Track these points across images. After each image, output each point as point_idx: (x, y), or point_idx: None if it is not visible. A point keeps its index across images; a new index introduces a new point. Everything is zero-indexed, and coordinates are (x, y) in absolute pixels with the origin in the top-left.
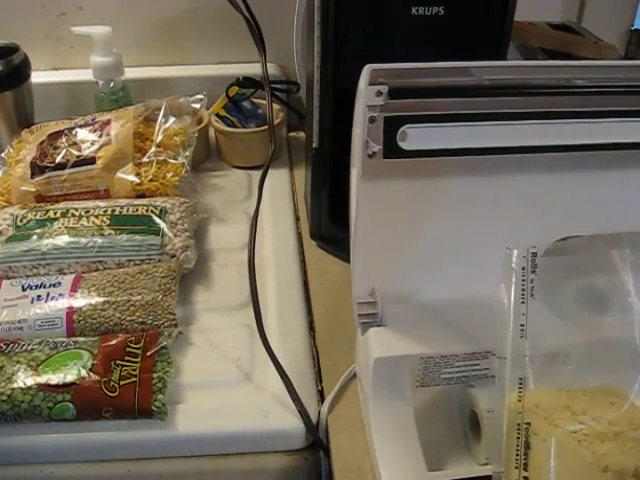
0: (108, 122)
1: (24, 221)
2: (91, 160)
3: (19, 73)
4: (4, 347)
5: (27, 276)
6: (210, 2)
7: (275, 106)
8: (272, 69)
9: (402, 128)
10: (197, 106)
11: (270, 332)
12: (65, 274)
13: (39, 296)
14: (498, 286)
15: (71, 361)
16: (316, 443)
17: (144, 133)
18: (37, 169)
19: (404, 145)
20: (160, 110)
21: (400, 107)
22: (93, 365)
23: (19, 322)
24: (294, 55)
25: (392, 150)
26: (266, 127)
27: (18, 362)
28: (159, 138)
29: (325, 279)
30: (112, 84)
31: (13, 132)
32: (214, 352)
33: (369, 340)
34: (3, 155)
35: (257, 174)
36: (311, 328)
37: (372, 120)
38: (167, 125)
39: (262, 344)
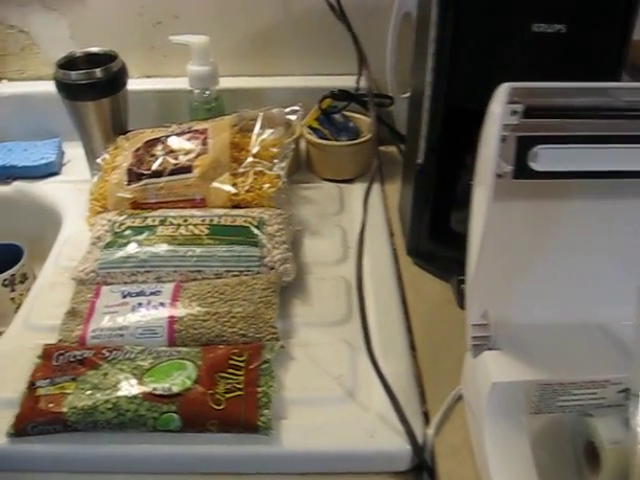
0: (205, 131)
1: (122, 227)
2: (188, 169)
3: (117, 80)
4: (107, 354)
5: (125, 283)
6: (304, 14)
7: (365, 119)
8: (363, 82)
9: (534, 149)
10: (293, 117)
11: (362, 349)
12: (163, 282)
13: (140, 304)
14: (618, 314)
15: (176, 371)
16: (422, 466)
17: (239, 143)
18: (134, 176)
19: (535, 166)
20: (254, 120)
21: (533, 127)
22: (198, 376)
23: (120, 329)
24: (386, 68)
25: (523, 171)
26: (359, 141)
27: (121, 370)
28: (255, 149)
29: (423, 297)
30: (207, 93)
31: (108, 138)
32: (315, 368)
33: (485, 363)
34: (99, 161)
35: (348, 187)
36: (412, 347)
37: (503, 139)
38: (264, 136)
39: (370, 363)
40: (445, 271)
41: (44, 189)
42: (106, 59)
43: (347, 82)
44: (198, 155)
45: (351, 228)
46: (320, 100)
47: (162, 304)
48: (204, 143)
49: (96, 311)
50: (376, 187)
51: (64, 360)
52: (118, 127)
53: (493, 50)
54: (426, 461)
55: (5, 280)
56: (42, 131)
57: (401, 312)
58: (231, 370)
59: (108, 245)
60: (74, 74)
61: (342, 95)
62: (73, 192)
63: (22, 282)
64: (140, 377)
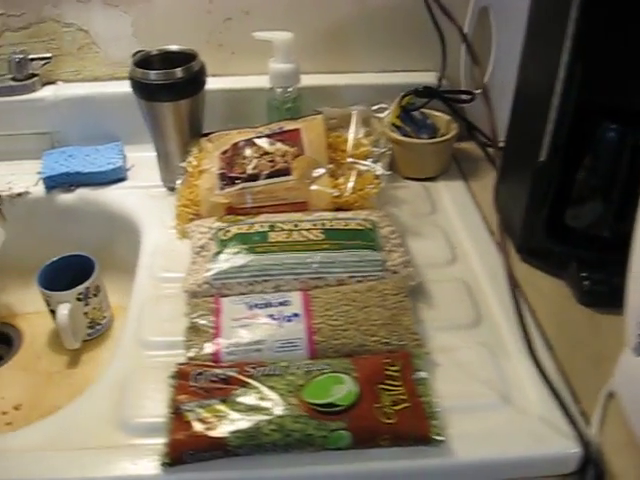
0: (297, 131)
1: (228, 235)
2: (285, 171)
3: (197, 81)
4: (252, 371)
5: (241, 293)
6: (377, 9)
7: (442, 117)
8: (433, 78)
9: None
10: (381, 115)
11: (509, 351)
12: (282, 291)
13: (271, 315)
14: None
15: (335, 386)
16: (586, 466)
17: (332, 143)
18: (227, 180)
19: None
20: (334, 119)
21: None
22: (360, 390)
23: (256, 343)
24: (460, 64)
25: None
26: (444, 138)
27: (273, 388)
28: (351, 148)
29: (541, 295)
30: (289, 92)
31: (183, 141)
32: (462, 373)
33: None
34: (184, 164)
35: (432, 186)
36: (549, 347)
37: None
38: (360, 135)
39: (533, 365)
40: (558, 267)
41: (112, 196)
42: (182, 58)
43: (420, 78)
44: (295, 157)
45: (450, 228)
46: (401, 97)
47: (296, 315)
48: (299, 144)
49: (223, 325)
50: (460, 184)
51: (204, 380)
52: (195, 129)
53: (634, 46)
54: (594, 461)
55: (80, 294)
56: (101, 135)
57: (527, 311)
58: (389, 381)
59: (217, 255)
60: (153, 74)
61: (425, 92)
62: (145, 198)
63: (95, 295)
64: (298, 394)
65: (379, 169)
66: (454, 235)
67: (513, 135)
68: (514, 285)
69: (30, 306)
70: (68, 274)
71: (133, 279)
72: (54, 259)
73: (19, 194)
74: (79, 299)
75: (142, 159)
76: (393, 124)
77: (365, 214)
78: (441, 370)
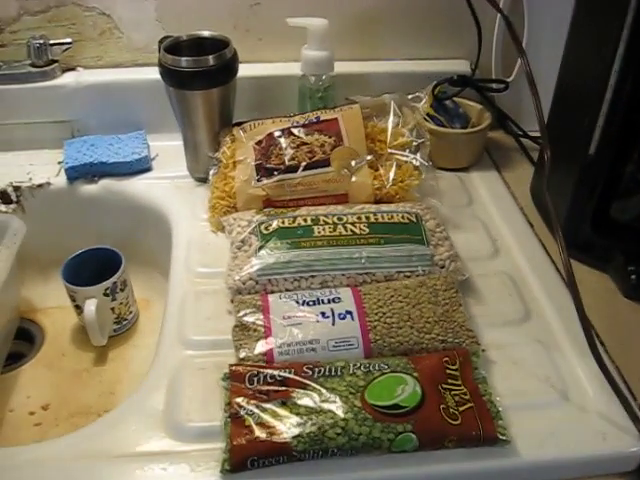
0: (335, 121)
1: (270, 229)
2: (325, 162)
3: (229, 69)
4: (309, 372)
5: (287, 290)
6: None
7: (473, 105)
8: (463, 66)
9: None
10: (418, 105)
11: (563, 346)
12: (329, 287)
13: (323, 313)
14: None
15: (398, 386)
16: None
17: (370, 133)
18: (264, 171)
19: None
20: (368, 109)
21: None
22: (424, 391)
23: (310, 343)
24: (493, 51)
25: None
26: (479, 128)
27: (334, 389)
28: (390, 139)
29: (585, 288)
30: (323, 80)
31: (213, 130)
32: (520, 371)
33: None
34: (217, 155)
35: (466, 176)
36: (600, 342)
37: None
38: (397, 125)
39: (595, 362)
40: (602, 261)
41: (137, 187)
42: (213, 44)
43: (451, 67)
44: (333, 147)
45: (488, 220)
46: (434, 86)
47: (349, 312)
48: (337, 134)
49: (274, 324)
50: (494, 175)
51: (261, 382)
52: (225, 118)
53: None
54: None
55: (107, 289)
56: (122, 123)
57: (571, 306)
58: (450, 380)
59: (260, 249)
60: (184, 60)
61: (459, 81)
62: (172, 189)
63: (122, 290)
64: (360, 396)
65: (419, 160)
66: (494, 227)
67: (554, 127)
68: (572, 281)
69: (51, 301)
70: (92, 268)
71: (159, 272)
72: (78, 252)
73: (40, 185)
74: (106, 294)
75: (166, 149)
76: (428, 114)
77: (408, 207)
78: (497, 367)
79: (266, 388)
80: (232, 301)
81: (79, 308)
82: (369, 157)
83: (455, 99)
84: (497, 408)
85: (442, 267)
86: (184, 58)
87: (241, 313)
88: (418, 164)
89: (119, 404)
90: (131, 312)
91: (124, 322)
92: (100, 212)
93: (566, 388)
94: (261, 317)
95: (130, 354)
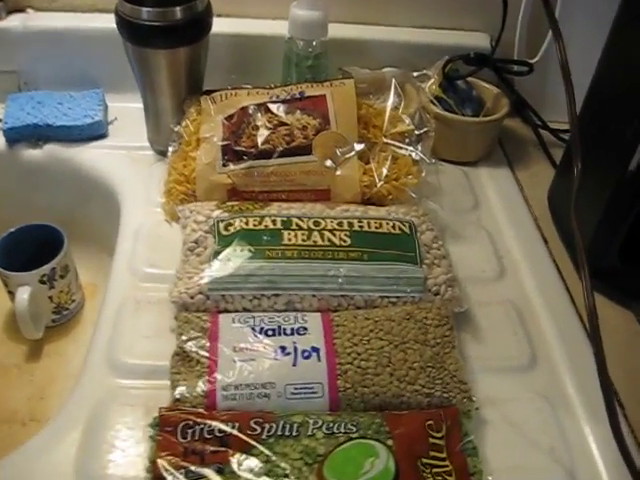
0: (322, 99)
1: (231, 230)
2: (305, 149)
3: (201, 24)
4: (258, 429)
5: (244, 309)
6: None
7: (489, 88)
8: (482, 40)
9: None
10: (424, 85)
11: (572, 405)
12: (296, 310)
13: (284, 348)
14: None
15: (366, 460)
16: None
17: (364, 116)
18: (232, 154)
19: None
20: (364, 84)
21: None
22: (397, 468)
23: (264, 386)
24: (517, 28)
25: None
26: (496, 117)
27: (285, 455)
28: (387, 124)
29: (606, 328)
30: (313, 46)
31: (179, 97)
32: (519, 437)
33: None
34: (178, 129)
35: (474, 172)
36: (619, 403)
37: None
38: (397, 108)
39: (612, 433)
40: (629, 296)
41: (88, 156)
42: None
43: (468, 40)
44: (317, 131)
45: (495, 230)
46: (445, 62)
47: (315, 350)
48: (323, 115)
49: (222, 356)
50: (505, 173)
51: (196, 436)
52: (193, 84)
53: None
54: None
55: (43, 276)
56: (77, 78)
57: (589, 351)
58: (433, 453)
59: (217, 255)
60: (146, 12)
61: (476, 59)
62: (127, 162)
63: (63, 277)
64: (317, 470)
65: (420, 154)
66: (501, 239)
67: (584, 131)
68: (597, 333)
69: None
70: (30, 248)
71: (109, 254)
72: (12, 229)
73: None
74: (42, 282)
75: (127, 112)
76: (435, 95)
77: (402, 212)
78: (491, 431)
79: (201, 447)
80: (176, 318)
81: (12, 294)
82: (360, 146)
83: (469, 79)
84: None
85: (436, 294)
86: (145, 9)
87: (184, 337)
88: (418, 159)
89: (46, 415)
90: (74, 300)
91: (65, 312)
92: (43, 182)
93: (573, 464)
94: (207, 345)
95: (69, 350)
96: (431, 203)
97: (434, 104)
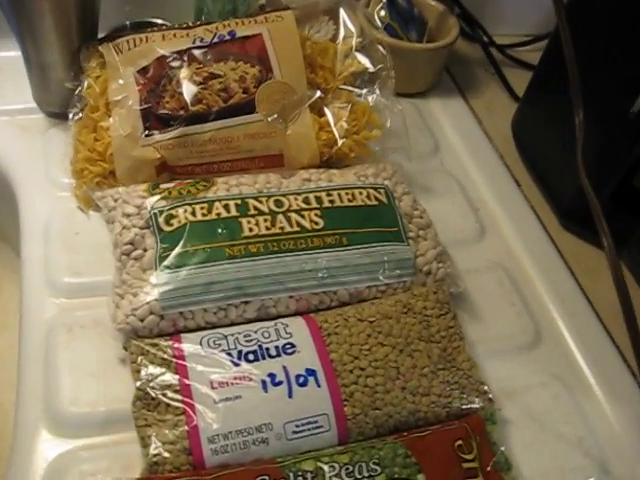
0: (259, 39)
1: (173, 224)
2: (248, 105)
3: None
4: None
5: (207, 323)
6: None
7: (436, 6)
8: None
9: None
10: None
11: (586, 382)
12: (270, 315)
13: (273, 376)
14: None
15: None
16: None
17: (309, 56)
18: (155, 121)
19: None
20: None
21: None
22: None
23: (259, 429)
24: None
25: None
26: (444, 43)
27: None
28: (340, 66)
29: (593, 277)
30: None
31: (69, 47)
32: (542, 432)
33: None
34: (80, 91)
35: (425, 104)
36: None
37: None
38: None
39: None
40: (616, 242)
41: None
42: None
43: None
44: (259, 81)
45: (464, 175)
46: None
47: (311, 373)
48: (263, 60)
49: (196, 394)
50: (458, 104)
51: None
52: (87, 29)
53: None
54: None
55: None
56: None
57: (592, 311)
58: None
59: (163, 258)
60: None
61: None
62: (14, 131)
63: None
64: None
65: (382, 98)
66: (472, 187)
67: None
68: (626, 294)
69: None
70: None
71: (6, 243)
72: None
73: None
74: None
75: (9, 65)
76: (379, 18)
77: (371, 174)
78: (514, 430)
79: None
80: (125, 348)
81: None
82: (315, 95)
83: None
84: None
85: (428, 273)
86: None
87: (143, 375)
88: (373, 103)
89: None
90: None
91: None
92: None
93: (604, 455)
94: (175, 383)
95: None
96: (395, 155)
97: (377, 29)
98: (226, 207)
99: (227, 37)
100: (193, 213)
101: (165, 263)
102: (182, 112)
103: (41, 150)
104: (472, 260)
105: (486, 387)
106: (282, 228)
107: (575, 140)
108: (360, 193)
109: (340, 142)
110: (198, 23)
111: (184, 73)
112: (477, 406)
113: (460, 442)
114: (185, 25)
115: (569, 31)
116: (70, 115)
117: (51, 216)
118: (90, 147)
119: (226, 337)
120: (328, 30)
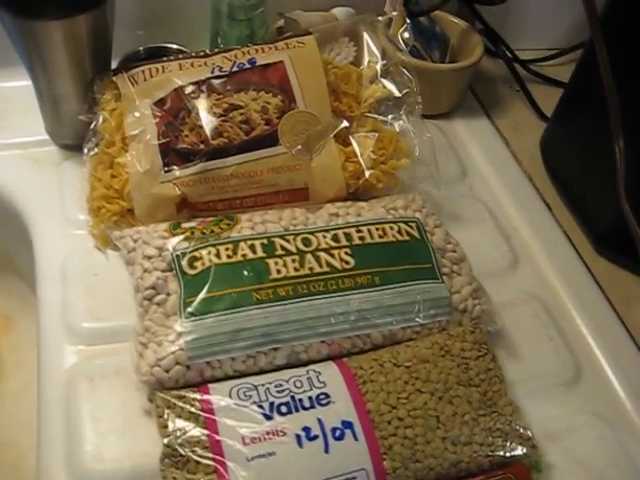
0: (280, 67)
1: (197, 267)
2: (271, 138)
3: None
4: None
5: (235, 372)
6: None
7: (459, 24)
8: None
9: None
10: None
11: (630, 421)
12: (300, 360)
13: (307, 429)
14: None
15: None
16: None
17: (331, 83)
18: (175, 156)
19: None
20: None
21: None
22: None
23: None
24: None
25: None
26: (468, 63)
27: None
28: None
29: (636, 309)
30: None
31: (82, 78)
32: (589, 477)
33: None
34: (95, 126)
35: (449, 127)
36: None
37: None
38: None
39: None
40: None
41: None
42: None
43: None
44: (282, 112)
45: (493, 201)
46: None
47: (348, 425)
48: (285, 89)
49: (228, 451)
50: (484, 124)
51: None
52: (101, 60)
53: None
54: None
55: None
56: None
57: (632, 342)
58: None
59: (187, 304)
60: None
61: None
62: (25, 164)
63: None
64: None
65: (408, 124)
66: (502, 213)
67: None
68: None
69: None
70: None
71: (19, 277)
72: None
73: None
74: None
75: (11, 94)
76: (402, 40)
77: (400, 206)
78: (558, 476)
79: None
80: (150, 400)
81: None
82: (343, 124)
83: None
84: None
85: (464, 311)
86: None
87: (170, 430)
88: (399, 130)
89: None
90: None
91: None
92: None
93: None
94: (205, 440)
95: None
96: (422, 185)
97: (401, 51)
98: (252, 247)
99: (247, 65)
100: (217, 255)
101: (190, 309)
102: (202, 146)
103: (55, 184)
104: (506, 292)
105: (530, 432)
106: (311, 269)
107: (613, 163)
108: (391, 228)
109: (367, 173)
110: (216, 51)
111: (203, 105)
112: (521, 453)
113: None
114: (202, 53)
115: (605, 48)
116: (85, 150)
117: (68, 256)
118: (107, 184)
119: (256, 388)
120: (349, 52)
